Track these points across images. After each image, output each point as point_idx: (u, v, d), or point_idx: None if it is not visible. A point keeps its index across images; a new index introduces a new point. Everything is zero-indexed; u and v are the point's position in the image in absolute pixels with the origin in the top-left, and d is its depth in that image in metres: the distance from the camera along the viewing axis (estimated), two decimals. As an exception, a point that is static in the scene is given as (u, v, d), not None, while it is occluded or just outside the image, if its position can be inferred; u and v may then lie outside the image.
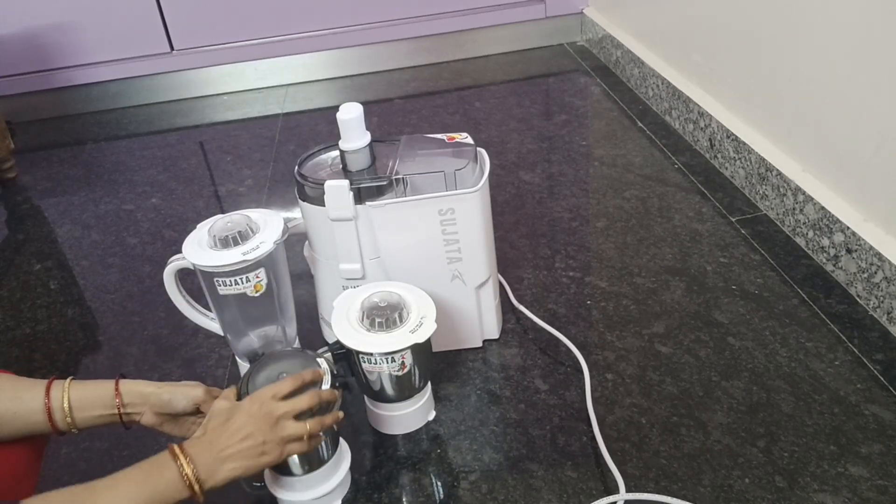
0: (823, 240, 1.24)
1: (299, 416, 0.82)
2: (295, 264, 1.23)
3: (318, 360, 0.91)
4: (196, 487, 0.72)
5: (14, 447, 0.77)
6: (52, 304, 1.42)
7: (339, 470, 0.95)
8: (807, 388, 1.05)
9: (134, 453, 1.06)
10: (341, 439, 0.96)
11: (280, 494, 0.93)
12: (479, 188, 1.05)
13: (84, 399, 0.80)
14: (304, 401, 0.82)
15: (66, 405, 0.78)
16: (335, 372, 0.91)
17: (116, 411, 0.82)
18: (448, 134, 1.13)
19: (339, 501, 0.96)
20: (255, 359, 1.11)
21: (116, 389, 0.82)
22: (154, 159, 1.91)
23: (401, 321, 0.98)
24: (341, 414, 0.87)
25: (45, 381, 0.79)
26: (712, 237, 1.37)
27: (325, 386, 0.88)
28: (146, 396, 0.83)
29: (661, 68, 1.79)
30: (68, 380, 0.80)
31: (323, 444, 0.90)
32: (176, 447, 0.73)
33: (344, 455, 0.96)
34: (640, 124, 1.78)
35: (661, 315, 1.21)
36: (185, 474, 0.71)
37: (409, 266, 1.09)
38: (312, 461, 0.91)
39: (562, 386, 1.10)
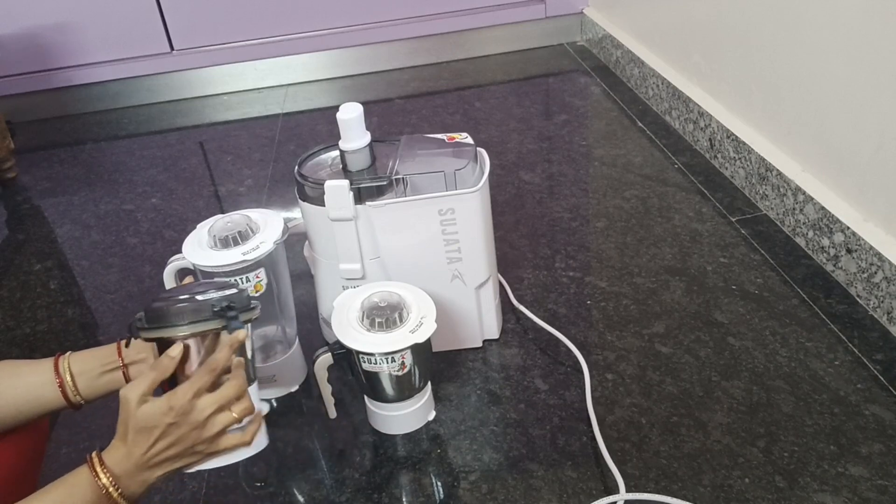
0: (823, 240, 1.24)
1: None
2: (295, 264, 1.23)
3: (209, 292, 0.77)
4: (116, 496, 0.69)
5: (14, 445, 0.77)
6: (52, 304, 1.42)
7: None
8: (807, 388, 1.05)
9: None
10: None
11: None
12: (479, 188, 1.05)
13: (85, 362, 0.81)
14: (229, 390, 0.73)
15: (68, 375, 0.79)
16: (219, 308, 0.75)
17: (119, 364, 0.81)
18: (448, 134, 1.13)
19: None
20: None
21: (118, 349, 0.82)
22: (154, 159, 1.91)
23: (401, 321, 0.98)
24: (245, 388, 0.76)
25: (51, 358, 0.80)
26: (712, 237, 1.37)
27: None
28: (146, 347, 0.83)
29: (661, 68, 1.79)
30: (69, 353, 0.82)
31: None
32: (94, 457, 0.71)
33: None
34: (640, 124, 1.78)
35: (661, 315, 1.21)
36: (102, 484, 0.69)
37: (409, 266, 1.09)
38: None
39: (562, 386, 1.10)
